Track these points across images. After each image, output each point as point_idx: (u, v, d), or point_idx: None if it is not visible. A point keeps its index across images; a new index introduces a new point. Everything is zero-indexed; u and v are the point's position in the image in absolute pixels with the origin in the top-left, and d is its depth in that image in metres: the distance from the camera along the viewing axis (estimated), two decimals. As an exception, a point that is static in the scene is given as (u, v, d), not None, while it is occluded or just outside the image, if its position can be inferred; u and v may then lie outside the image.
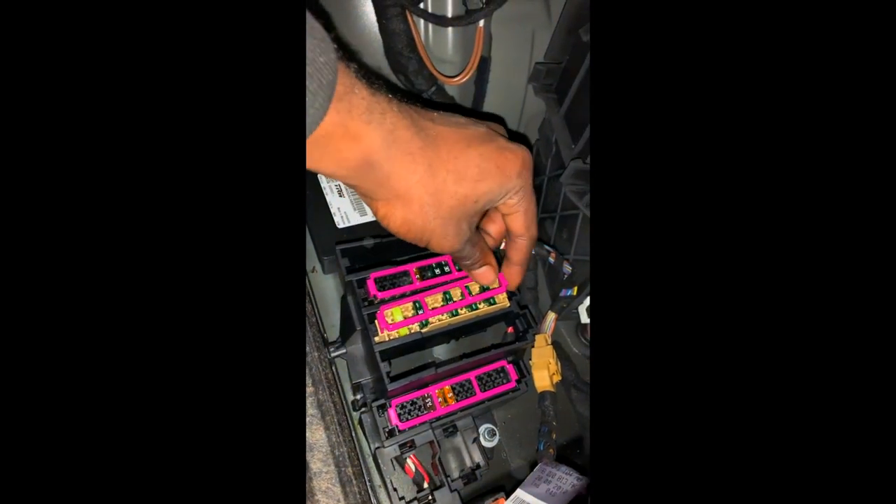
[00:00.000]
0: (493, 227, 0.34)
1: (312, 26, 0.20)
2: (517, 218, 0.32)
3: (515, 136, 0.31)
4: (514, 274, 0.37)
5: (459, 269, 0.39)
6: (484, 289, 0.40)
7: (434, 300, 0.38)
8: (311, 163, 0.23)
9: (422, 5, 0.44)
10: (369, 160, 0.24)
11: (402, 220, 0.27)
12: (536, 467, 0.36)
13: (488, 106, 0.53)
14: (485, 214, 0.34)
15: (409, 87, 0.48)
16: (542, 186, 0.54)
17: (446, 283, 0.39)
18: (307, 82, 0.19)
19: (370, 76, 0.24)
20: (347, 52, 0.23)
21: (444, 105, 0.48)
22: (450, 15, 0.45)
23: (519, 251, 0.35)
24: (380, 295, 0.38)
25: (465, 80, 0.48)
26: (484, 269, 0.34)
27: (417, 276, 0.38)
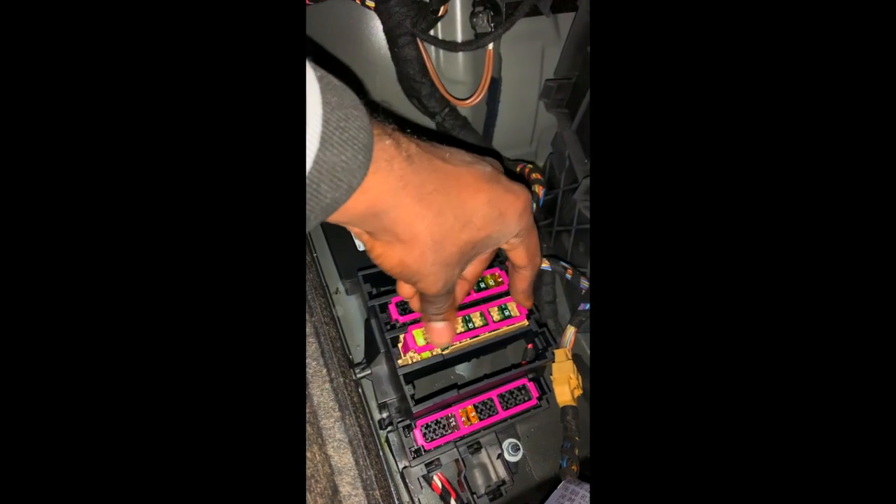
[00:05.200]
0: (470, 269, 0.33)
1: (336, 85, 0.20)
2: (518, 253, 0.31)
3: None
4: (522, 300, 0.37)
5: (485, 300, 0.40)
6: (504, 315, 0.41)
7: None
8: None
9: (432, 32, 0.45)
10: (375, 210, 0.23)
11: (399, 261, 0.26)
12: (560, 485, 0.37)
13: (501, 123, 0.54)
14: None
15: (422, 110, 0.49)
16: (557, 200, 0.54)
17: (467, 305, 0.40)
18: (344, 151, 0.19)
19: (375, 111, 0.23)
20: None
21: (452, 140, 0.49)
22: (459, 40, 0.46)
23: (522, 280, 0.34)
24: (401, 319, 0.39)
25: (476, 101, 0.49)
26: (443, 325, 0.32)
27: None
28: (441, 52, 0.48)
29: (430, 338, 0.32)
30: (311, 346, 0.36)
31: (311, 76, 0.19)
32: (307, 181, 0.19)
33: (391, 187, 0.23)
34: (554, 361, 0.44)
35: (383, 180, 0.22)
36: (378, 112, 0.24)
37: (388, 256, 0.26)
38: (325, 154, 0.19)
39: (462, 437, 0.39)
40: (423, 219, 0.24)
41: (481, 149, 0.49)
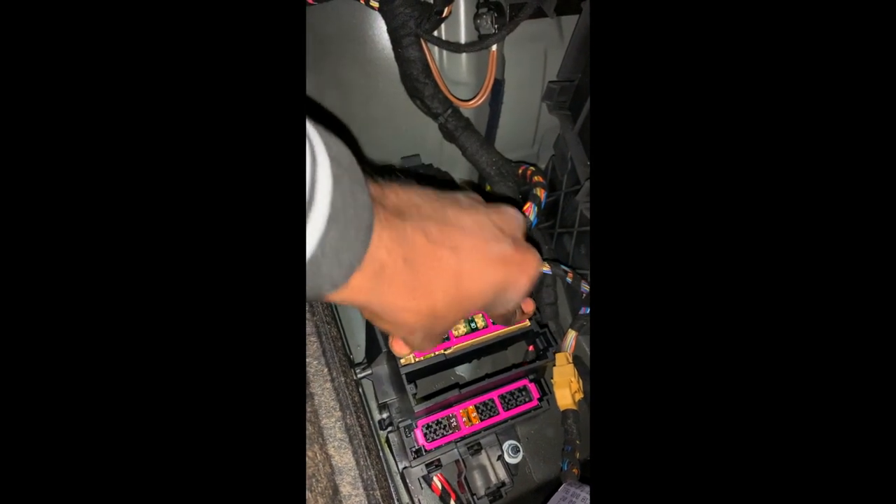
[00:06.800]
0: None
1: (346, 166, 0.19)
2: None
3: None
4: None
5: None
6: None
7: (458, 325, 0.39)
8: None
9: (436, 33, 0.45)
10: (355, 301, 0.22)
11: (396, 345, 0.27)
12: (560, 488, 0.37)
13: (503, 125, 0.54)
14: None
15: (425, 110, 0.49)
16: (559, 201, 0.54)
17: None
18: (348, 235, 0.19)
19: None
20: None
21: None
22: (463, 41, 0.46)
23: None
24: (403, 319, 0.39)
25: (479, 103, 0.49)
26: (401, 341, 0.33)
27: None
28: (444, 53, 0.48)
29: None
30: (313, 346, 0.36)
31: (322, 152, 0.18)
32: (308, 264, 0.18)
33: (371, 285, 0.21)
34: (554, 363, 0.43)
35: (363, 279, 0.21)
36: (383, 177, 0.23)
37: (388, 334, 0.27)
38: (330, 234, 0.18)
39: (463, 438, 0.39)
40: (405, 312, 0.23)
41: (497, 197, 0.48)
